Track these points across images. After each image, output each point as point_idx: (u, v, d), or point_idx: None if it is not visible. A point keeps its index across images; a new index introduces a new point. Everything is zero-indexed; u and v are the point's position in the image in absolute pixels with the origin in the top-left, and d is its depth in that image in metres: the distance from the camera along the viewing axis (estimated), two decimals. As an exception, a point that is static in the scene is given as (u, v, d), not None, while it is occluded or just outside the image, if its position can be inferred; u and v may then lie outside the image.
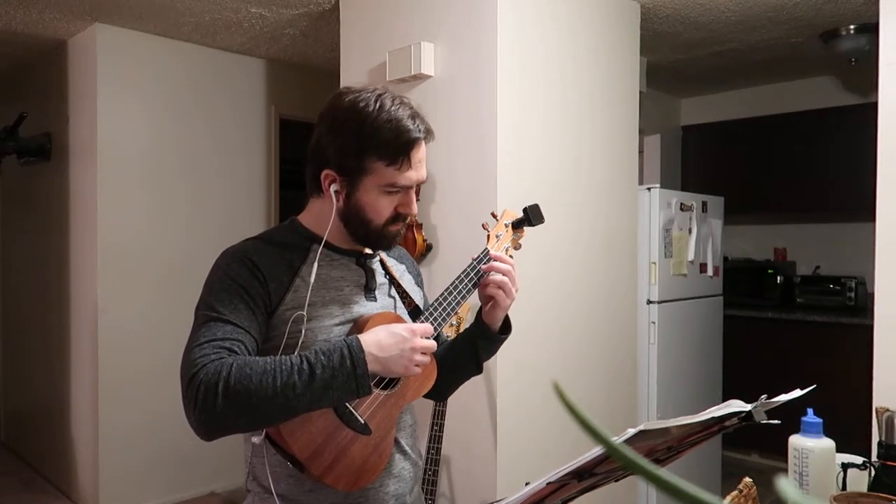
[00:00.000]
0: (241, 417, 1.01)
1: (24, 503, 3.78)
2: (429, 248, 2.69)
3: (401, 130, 1.14)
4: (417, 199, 1.25)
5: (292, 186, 4.34)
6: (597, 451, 0.80)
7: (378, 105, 1.15)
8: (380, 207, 1.18)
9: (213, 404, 0.99)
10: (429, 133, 1.19)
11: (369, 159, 1.14)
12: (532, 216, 1.35)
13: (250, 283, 1.12)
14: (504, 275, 1.26)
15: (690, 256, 3.57)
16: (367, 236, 1.21)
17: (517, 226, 1.36)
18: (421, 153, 1.18)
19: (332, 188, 1.17)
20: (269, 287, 1.13)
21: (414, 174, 1.17)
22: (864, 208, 3.05)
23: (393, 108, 1.16)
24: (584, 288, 2.86)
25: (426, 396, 1.31)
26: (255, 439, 1.14)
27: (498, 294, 1.26)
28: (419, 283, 1.41)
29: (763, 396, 1.04)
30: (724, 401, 1.06)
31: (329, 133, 1.17)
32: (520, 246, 1.38)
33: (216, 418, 1.00)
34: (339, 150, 1.15)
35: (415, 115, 1.18)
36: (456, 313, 1.26)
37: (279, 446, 1.11)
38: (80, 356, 3.72)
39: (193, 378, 1.01)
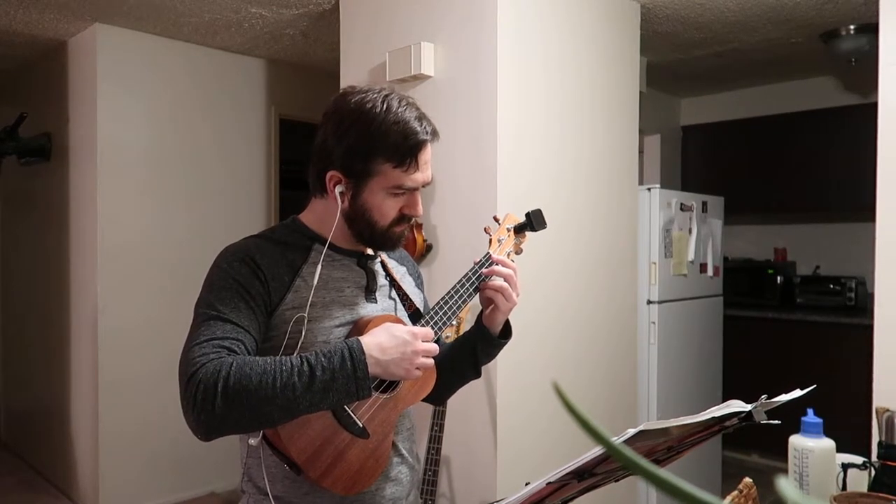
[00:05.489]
0: (240, 418, 1.00)
1: (24, 503, 3.78)
2: (429, 248, 2.69)
3: (408, 133, 1.14)
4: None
5: (292, 186, 4.35)
6: (597, 451, 0.80)
7: (385, 107, 1.15)
8: (385, 209, 1.17)
9: (211, 404, 0.99)
10: (435, 134, 1.19)
11: (376, 161, 1.14)
12: (534, 221, 1.35)
13: (251, 282, 1.12)
14: (505, 279, 1.26)
15: (690, 256, 3.57)
16: (371, 237, 1.21)
17: (519, 230, 1.36)
18: (427, 155, 1.18)
19: (338, 189, 1.17)
20: (269, 286, 1.13)
21: (420, 176, 1.17)
22: (864, 208, 3.05)
23: (400, 109, 1.15)
24: (584, 288, 2.86)
25: (424, 400, 1.30)
26: (252, 441, 1.14)
27: (498, 298, 1.26)
28: (420, 286, 1.41)
29: (763, 396, 1.04)
30: (724, 401, 1.06)
31: (335, 134, 1.16)
32: (521, 251, 1.38)
33: (215, 418, 0.99)
34: (346, 151, 1.15)
35: (421, 117, 1.17)
36: (457, 316, 1.26)
37: (276, 448, 1.10)
38: (80, 356, 3.72)
39: (192, 377, 1.00)
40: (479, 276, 1.26)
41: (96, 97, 3.51)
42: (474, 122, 2.54)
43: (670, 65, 4.13)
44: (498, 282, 1.25)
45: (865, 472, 1.40)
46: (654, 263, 3.35)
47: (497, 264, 1.27)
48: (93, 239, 3.55)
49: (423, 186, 1.20)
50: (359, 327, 1.17)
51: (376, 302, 1.25)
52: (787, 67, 4.28)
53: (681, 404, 3.46)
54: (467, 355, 1.33)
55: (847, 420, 2.44)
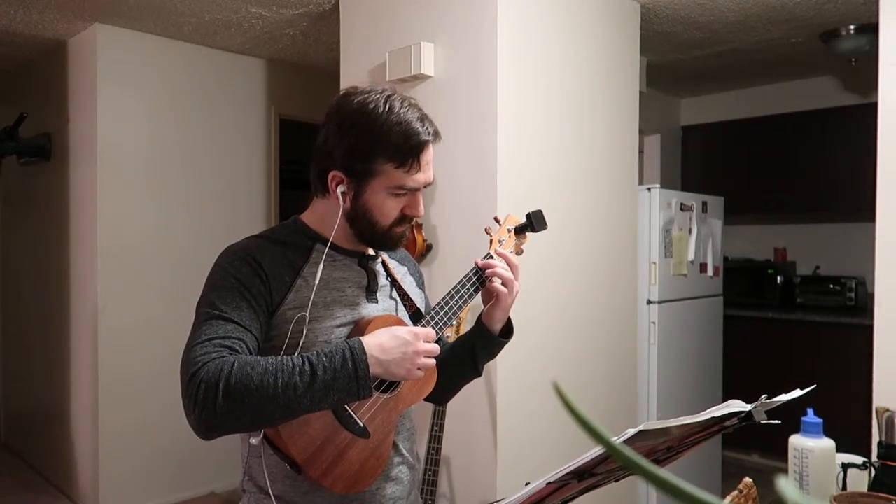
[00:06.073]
0: (242, 417, 1.01)
1: (24, 503, 3.78)
2: (429, 248, 2.69)
3: (410, 133, 1.14)
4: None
5: (292, 186, 4.36)
6: (597, 451, 0.80)
7: (387, 107, 1.15)
8: (387, 209, 1.18)
9: (213, 403, 0.99)
10: (436, 135, 1.20)
11: (378, 161, 1.14)
12: (535, 222, 1.36)
13: (252, 281, 1.12)
14: (506, 270, 1.27)
15: (690, 256, 3.57)
16: (372, 237, 1.21)
17: (520, 231, 1.37)
18: (429, 155, 1.19)
19: (339, 189, 1.17)
20: (271, 286, 1.13)
21: (422, 176, 1.18)
22: (864, 208, 3.05)
23: (402, 110, 1.16)
24: (584, 288, 2.86)
25: (426, 400, 1.31)
26: (253, 440, 1.14)
27: (501, 290, 1.26)
28: (421, 286, 1.41)
29: (763, 396, 1.04)
30: (724, 401, 1.07)
31: (337, 134, 1.16)
32: (522, 251, 1.38)
33: (216, 417, 1.00)
34: (348, 151, 1.15)
35: (423, 118, 1.18)
36: (458, 317, 1.26)
37: (277, 447, 1.10)
38: (80, 356, 3.72)
39: (194, 376, 1.01)
40: (480, 276, 1.27)
41: (96, 97, 3.51)
42: (474, 122, 2.54)
43: (670, 65, 4.13)
44: (500, 271, 1.26)
45: (865, 472, 1.40)
46: (654, 263, 3.35)
47: (500, 258, 1.28)
48: (93, 239, 3.55)
49: (425, 187, 1.20)
50: (360, 327, 1.17)
51: (377, 302, 1.25)
52: (787, 67, 4.28)
53: (681, 404, 3.46)
54: (468, 355, 1.34)
55: (847, 420, 2.44)
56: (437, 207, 2.69)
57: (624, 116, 3.08)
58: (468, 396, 2.49)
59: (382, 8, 2.87)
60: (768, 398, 1.04)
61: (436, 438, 2.34)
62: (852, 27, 3.45)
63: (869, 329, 2.40)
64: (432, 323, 1.21)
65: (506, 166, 2.50)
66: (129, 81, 3.61)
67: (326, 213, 1.22)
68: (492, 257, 1.29)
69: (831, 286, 4.37)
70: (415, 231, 2.63)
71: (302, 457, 1.08)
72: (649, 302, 3.36)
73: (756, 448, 4.39)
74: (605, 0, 2.95)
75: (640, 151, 4.19)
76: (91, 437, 3.59)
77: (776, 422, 1.04)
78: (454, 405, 2.41)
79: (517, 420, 2.56)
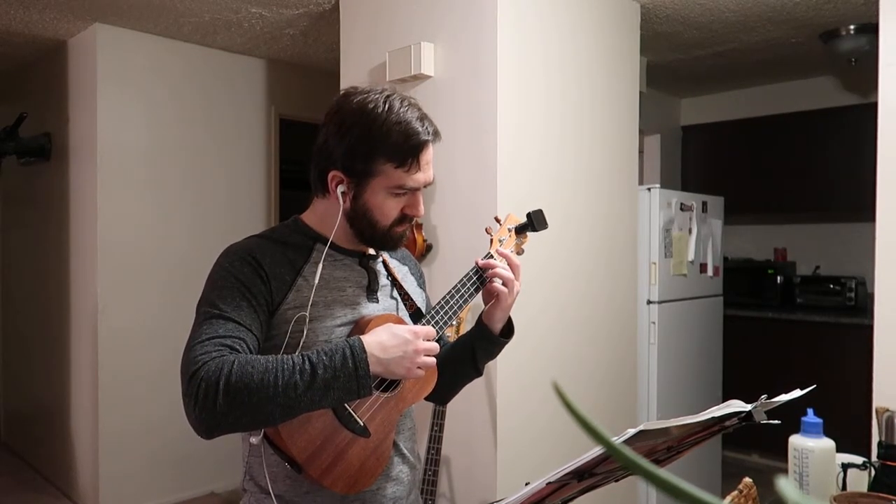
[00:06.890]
0: (242, 416, 1.01)
1: (24, 503, 3.78)
2: (429, 248, 2.69)
3: (410, 133, 1.15)
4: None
5: (292, 186, 4.36)
6: (597, 451, 0.80)
7: (387, 107, 1.15)
8: (387, 209, 1.18)
9: (213, 402, 0.99)
10: (436, 135, 1.20)
11: (378, 161, 1.14)
12: (535, 221, 1.36)
13: (253, 281, 1.12)
14: (506, 270, 1.27)
15: (690, 256, 3.57)
16: (373, 237, 1.21)
17: (520, 231, 1.37)
18: (429, 155, 1.19)
19: (339, 189, 1.17)
20: (271, 285, 1.13)
21: (422, 176, 1.18)
22: (864, 208, 3.05)
23: (402, 109, 1.16)
24: (584, 288, 2.86)
25: (427, 399, 1.31)
26: (254, 439, 1.14)
27: (501, 290, 1.26)
28: (421, 285, 1.41)
29: (763, 396, 1.04)
30: (724, 401, 1.07)
31: (337, 134, 1.16)
32: (523, 251, 1.38)
33: (216, 416, 1.00)
34: (348, 151, 1.15)
35: (423, 117, 1.18)
36: (458, 316, 1.26)
37: (277, 447, 1.11)
38: (80, 356, 3.72)
39: (194, 375, 1.01)
40: (481, 276, 1.27)
41: (96, 97, 3.51)
42: (474, 122, 2.54)
43: (670, 65, 4.13)
44: (500, 271, 1.26)
45: (865, 472, 1.40)
46: (654, 263, 3.35)
47: (502, 258, 1.28)
48: (93, 239, 3.55)
49: (425, 187, 1.20)
50: (360, 327, 1.18)
51: (378, 302, 1.25)
52: (787, 67, 4.28)
53: (681, 404, 3.46)
54: (468, 355, 1.34)
55: (847, 420, 2.44)
56: (437, 207, 2.69)
57: (624, 116, 3.08)
58: (468, 396, 2.49)
59: (382, 8, 2.87)
60: (768, 398, 1.04)
61: (436, 438, 2.34)
62: (852, 27, 3.45)
63: (869, 329, 2.40)
64: (433, 322, 1.21)
65: (506, 166, 2.50)
66: (129, 81, 3.61)
67: (326, 213, 1.22)
68: (492, 257, 1.29)
69: (831, 286, 4.37)
70: (415, 231, 2.63)
71: (302, 456, 1.08)
72: (649, 302, 3.36)
73: (756, 448, 4.39)
74: (605, 0, 2.95)
75: (640, 151, 4.19)
76: (91, 437, 3.59)
77: (776, 422, 1.04)
78: (454, 405, 2.41)
79: (517, 420, 2.56)
